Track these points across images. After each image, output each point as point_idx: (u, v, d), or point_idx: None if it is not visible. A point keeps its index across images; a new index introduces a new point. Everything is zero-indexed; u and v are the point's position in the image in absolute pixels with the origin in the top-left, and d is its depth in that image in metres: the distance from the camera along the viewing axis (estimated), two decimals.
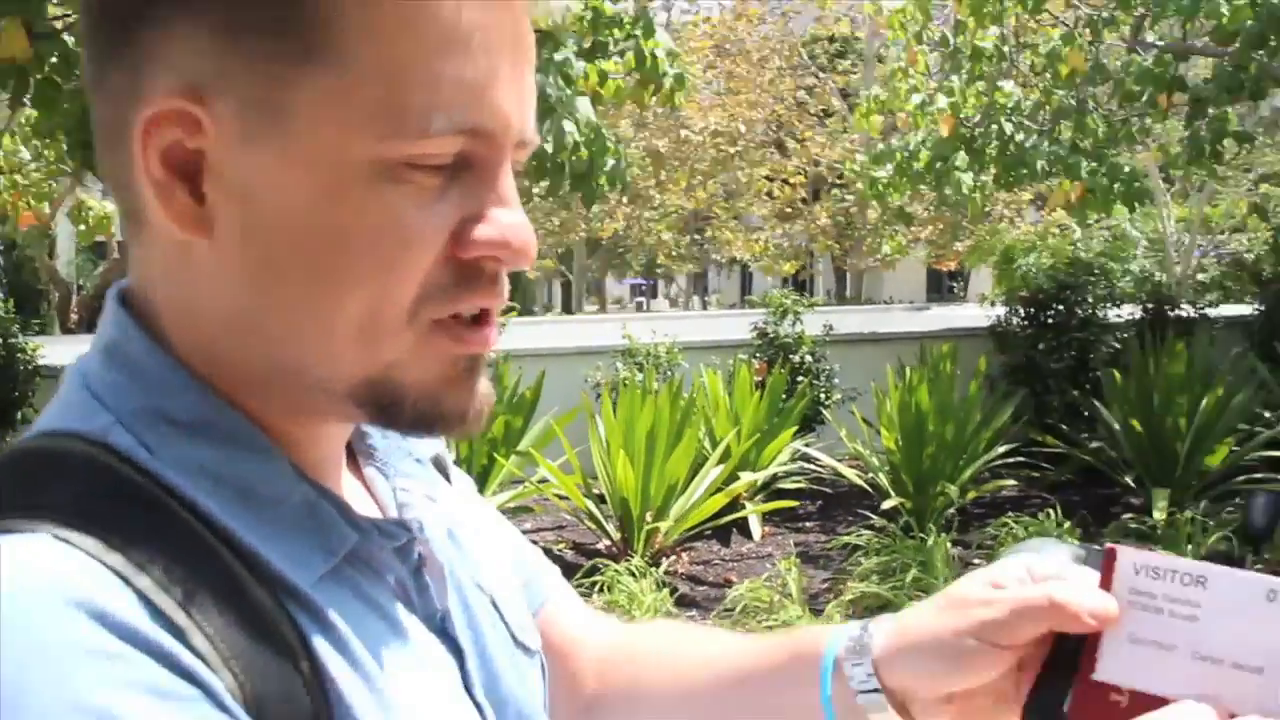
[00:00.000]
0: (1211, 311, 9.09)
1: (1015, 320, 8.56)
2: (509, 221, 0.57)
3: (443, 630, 0.64)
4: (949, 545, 5.23)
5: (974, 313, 11.12)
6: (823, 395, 7.59)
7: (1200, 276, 11.70)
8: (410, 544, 0.64)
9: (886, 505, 5.95)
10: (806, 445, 6.88)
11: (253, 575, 0.53)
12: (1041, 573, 0.66)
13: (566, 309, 29.43)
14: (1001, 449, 6.67)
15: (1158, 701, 0.61)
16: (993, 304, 9.21)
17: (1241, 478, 6.83)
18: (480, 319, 0.59)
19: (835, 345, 8.14)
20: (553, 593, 0.85)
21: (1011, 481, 6.80)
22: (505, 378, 6.16)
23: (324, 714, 0.53)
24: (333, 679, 0.54)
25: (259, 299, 0.56)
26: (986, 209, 10.61)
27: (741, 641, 0.82)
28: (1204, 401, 6.74)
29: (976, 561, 5.36)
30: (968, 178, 6.89)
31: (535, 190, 6.06)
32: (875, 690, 0.68)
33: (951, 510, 6.15)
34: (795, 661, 0.73)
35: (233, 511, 0.55)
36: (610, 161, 4.35)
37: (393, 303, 0.56)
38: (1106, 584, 0.65)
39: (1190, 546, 5.21)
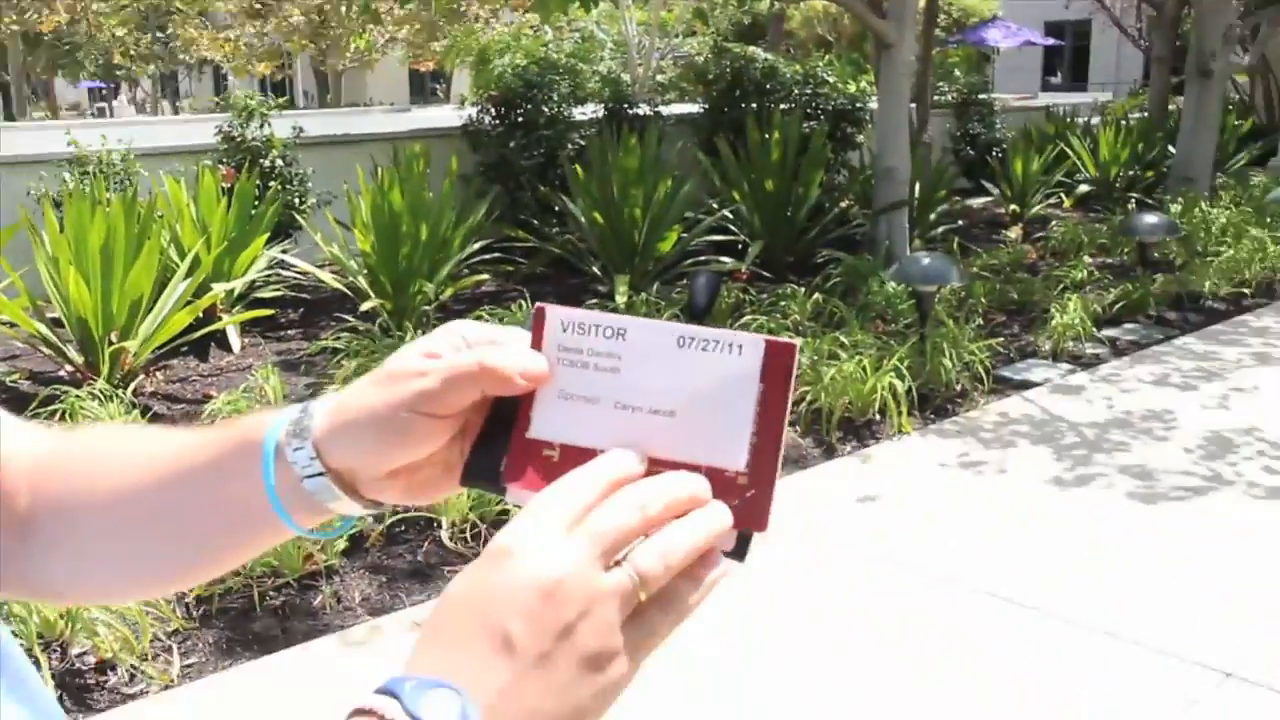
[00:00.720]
0: (664, 109, 9.82)
1: (487, 119, 8.74)
2: None
3: None
4: None
5: (452, 114, 11.20)
6: (296, 200, 7.39)
7: (659, 78, 12.50)
8: None
9: (366, 307, 5.99)
10: (283, 252, 6.71)
11: None
12: (475, 337, 0.66)
13: (8, 115, 25.94)
14: (476, 246, 6.89)
15: (586, 453, 0.62)
16: (469, 105, 9.33)
17: (689, 260, 7.58)
18: None
19: (307, 148, 7.90)
20: None
21: (487, 276, 7.07)
22: None
23: None
24: None
25: None
26: (458, 7, 10.58)
27: (185, 436, 0.74)
28: (657, 193, 7.33)
29: None
30: None
31: None
32: (320, 474, 0.66)
33: (430, 307, 6.32)
34: (238, 451, 0.69)
35: None
36: None
37: None
38: (538, 343, 0.65)
39: None
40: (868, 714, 2.81)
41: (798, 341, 0.64)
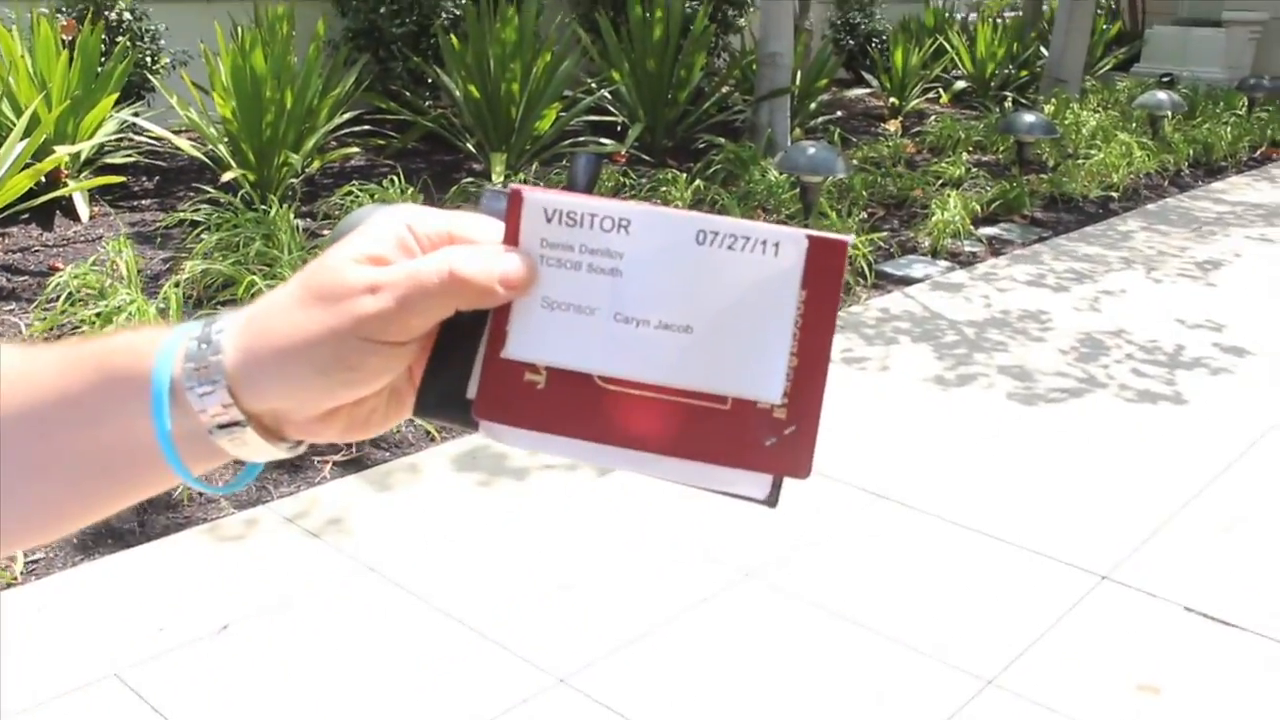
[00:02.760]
0: None
1: None
2: None
3: None
4: (293, 216, 5.09)
5: None
6: (149, 59, 6.87)
7: None
8: None
9: (227, 177, 5.62)
10: (135, 115, 6.24)
11: None
12: (428, 231, 0.51)
13: None
14: (345, 117, 6.53)
15: (582, 379, 0.51)
16: None
17: (568, 140, 7.35)
18: None
19: (159, 3, 7.33)
20: None
21: (356, 150, 6.74)
22: None
23: None
24: None
25: None
26: None
27: (28, 357, 0.56)
28: (535, 68, 7.05)
29: (324, 233, 5.30)
30: None
31: None
32: (237, 423, 0.52)
33: (296, 180, 5.98)
34: (108, 386, 0.54)
35: None
36: None
37: None
38: (513, 237, 0.51)
39: None
40: (746, 622, 2.77)
41: (850, 237, 0.50)
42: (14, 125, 5.21)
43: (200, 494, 3.25)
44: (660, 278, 0.50)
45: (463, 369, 0.52)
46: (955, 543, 3.11)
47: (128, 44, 6.49)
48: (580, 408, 0.51)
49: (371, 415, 0.55)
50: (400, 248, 0.51)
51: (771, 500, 0.51)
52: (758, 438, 0.50)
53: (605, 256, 0.51)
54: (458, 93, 7.15)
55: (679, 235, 0.50)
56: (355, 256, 0.50)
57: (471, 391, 0.52)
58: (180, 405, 0.52)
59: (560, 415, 0.51)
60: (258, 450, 0.54)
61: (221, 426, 0.52)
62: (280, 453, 0.55)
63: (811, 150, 5.99)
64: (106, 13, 6.69)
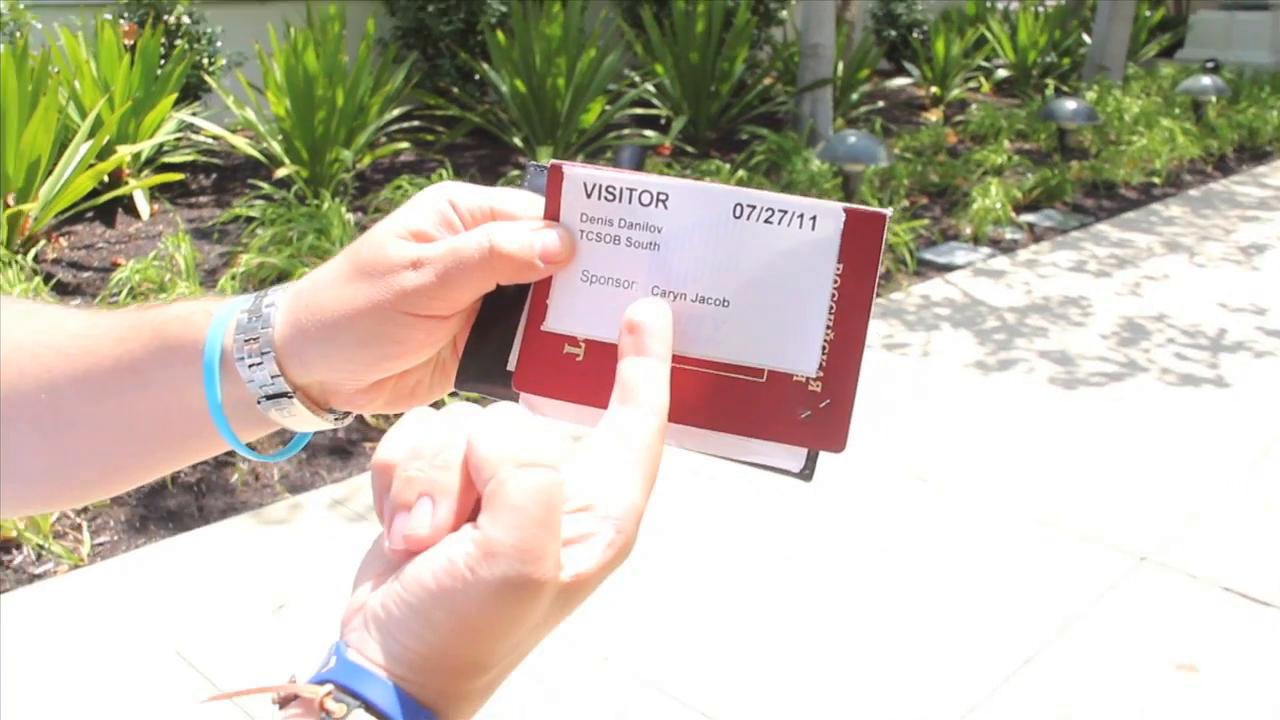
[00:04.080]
0: None
1: None
2: None
3: None
4: (345, 210, 5.23)
5: None
6: (206, 61, 7.05)
7: None
8: None
9: (281, 174, 5.77)
10: (193, 115, 6.41)
11: None
12: (470, 206, 0.53)
13: None
14: (395, 113, 6.66)
15: (616, 350, 0.50)
16: None
17: (612, 133, 7.45)
18: None
19: (215, 6, 7.51)
20: None
21: (406, 145, 6.87)
22: None
23: None
24: None
25: None
26: None
27: (88, 323, 0.58)
28: (580, 63, 7.15)
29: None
30: None
31: None
32: (285, 394, 0.54)
33: (347, 176, 6.13)
34: (164, 354, 0.55)
35: None
36: None
37: None
38: (554, 212, 0.52)
39: None
40: (793, 609, 2.86)
41: (888, 211, 0.51)
42: (79, 127, 5.39)
43: (255, 479, 3.38)
44: (698, 251, 0.51)
45: (504, 342, 0.53)
46: (995, 526, 3.18)
47: (185, 46, 6.67)
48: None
49: (417, 387, 0.57)
50: (443, 223, 0.52)
51: (806, 474, 0.52)
52: (793, 411, 0.50)
53: (644, 230, 0.51)
54: (504, 88, 7.26)
55: (717, 209, 0.51)
56: (399, 232, 0.52)
57: (512, 364, 0.53)
58: (230, 375, 0.54)
59: (598, 388, 0.50)
60: (305, 421, 0.56)
61: (270, 397, 0.54)
62: (327, 424, 0.57)
63: (853, 139, 6.05)
64: (166, 16, 6.87)
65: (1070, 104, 7.97)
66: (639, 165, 6.30)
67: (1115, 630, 2.68)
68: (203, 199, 6.28)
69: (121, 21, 6.64)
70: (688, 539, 3.08)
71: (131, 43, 6.23)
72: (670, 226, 0.51)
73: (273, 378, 0.54)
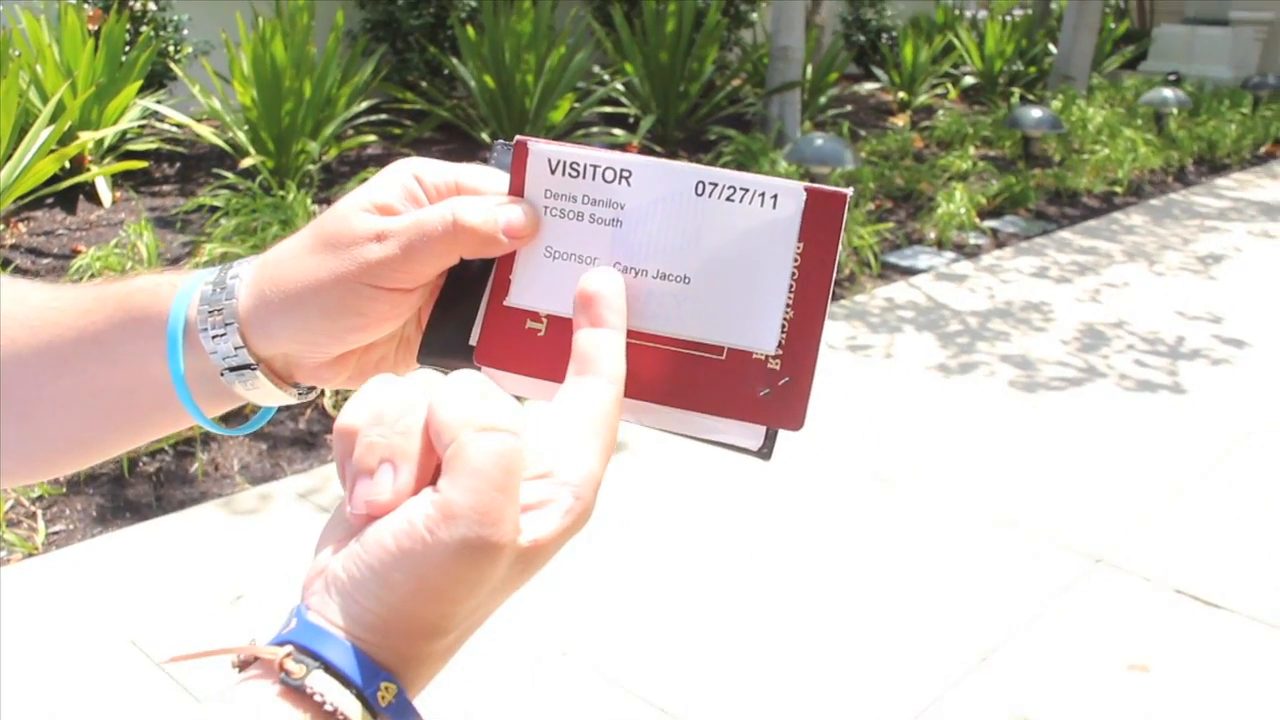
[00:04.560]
0: None
1: None
2: None
3: None
4: (310, 202, 5.19)
5: None
6: (171, 48, 6.98)
7: None
8: None
9: (246, 164, 5.73)
10: (158, 102, 6.34)
11: None
12: (435, 181, 0.53)
13: None
14: (363, 106, 6.63)
15: None
16: None
17: (580, 131, 7.45)
18: None
19: None
20: None
21: (373, 138, 6.84)
22: None
23: None
24: None
25: None
26: None
27: (46, 295, 0.58)
28: (549, 60, 7.14)
29: None
30: None
31: None
32: (248, 365, 0.54)
33: (313, 167, 6.09)
34: (128, 325, 0.55)
35: None
36: None
37: None
38: (519, 188, 0.53)
39: None
40: (752, 608, 2.87)
41: (849, 190, 0.51)
42: (40, 112, 5.32)
43: (216, 469, 3.36)
44: (660, 228, 0.51)
45: (466, 318, 0.54)
46: (953, 527, 3.21)
47: (151, 33, 6.60)
48: None
49: (380, 363, 0.58)
50: (408, 197, 0.52)
51: (765, 453, 0.52)
52: (752, 388, 0.50)
53: (607, 207, 0.52)
54: (473, 83, 7.24)
55: (679, 186, 0.51)
56: (364, 205, 0.52)
57: (474, 339, 0.53)
58: (194, 347, 0.54)
59: (559, 363, 0.50)
60: (268, 395, 0.56)
61: (233, 369, 0.54)
62: (290, 398, 0.57)
63: (820, 142, 6.08)
64: (131, 3, 6.80)
65: (1035, 112, 8.05)
66: None
67: (1069, 630, 2.71)
68: (166, 187, 6.22)
69: (86, 6, 6.56)
70: (649, 535, 3.09)
71: (96, 28, 6.16)
72: (633, 203, 0.51)
73: (236, 349, 0.53)
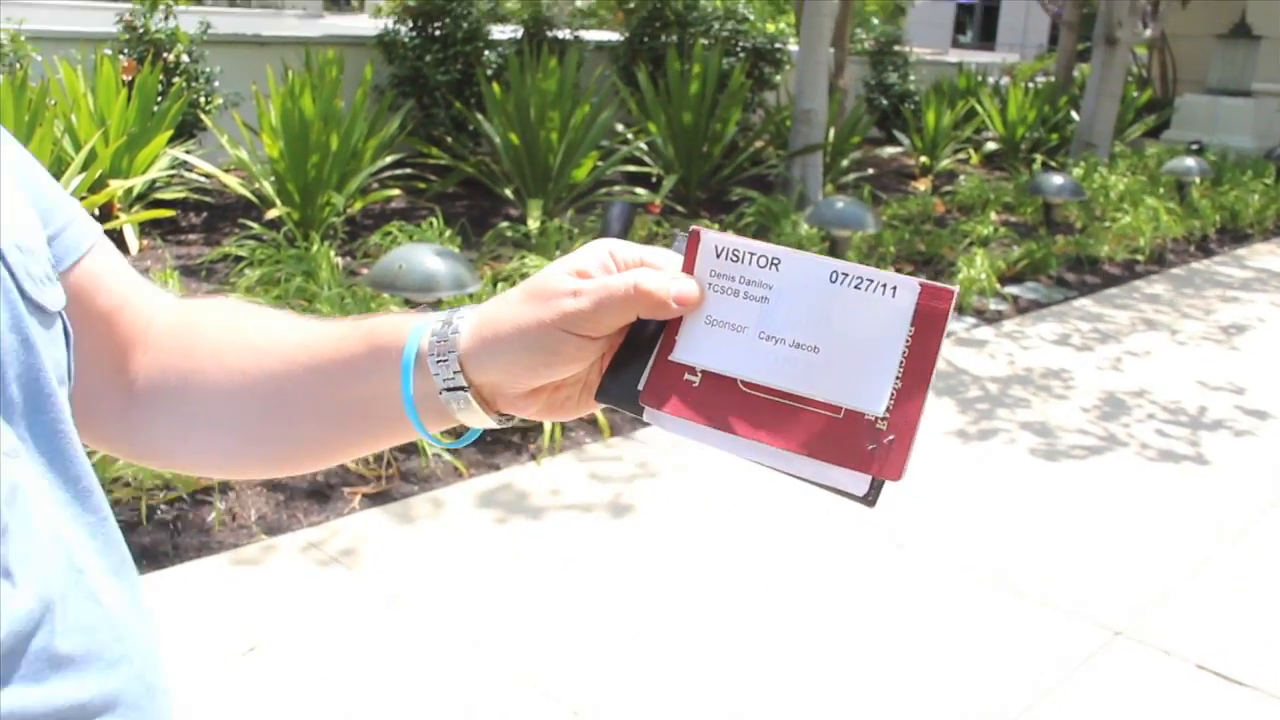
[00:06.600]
0: (584, 35, 9.65)
1: (404, 30, 8.48)
2: None
3: None
4: (333, 254, 5.24)
5: (366, 23, 10.85)
6: (202, 99, 7.09)
7: (578, 3, 12.25)
8: None
9: (271, 215, 5.79)
10: (187, 152, 6.44)
11: None
12: (625, 257, 0.66)
13: None
14: (388, 160, 6.71)
15: (727, 381, 0.63)
16: (385, 15, 9.04)
17: (603, 189, 7.50)
18: None
19: (215, 46, 7.57)
20: (97, 247, 0.73)
21: (397, 192, 6.91)
22: None
23: None
24: None
25: None
26: None
27: (313, 327, 0.74)
28: (573, 118, 7.22)
29: (363, 271, 5.44)
30: None
31: None
32: (461, 388, 0.67)
33: (338, 220, 6.15)
34: (373, 353, 0.69)
35: None
36: None
37: None
38: (690, 266, 0.65)
39: (558, 252, 5.67)
40: (766, 668, 2.84)
41: (955, 288, 0.61)
42: (73, 159, 5.40)
43: (232, 519, 3.35)
44: (798, 306, 0.63)
45: (638, 368, 0.66)
46: (971, 595, 3.17)
47: (183, 85, 6.71)
48: (724, 404, 0.63)
49: (566, 401, 0.70)
50: (601, 267, 0.65)
51: (870, 499, 0.61)
52: (862, 443, 0.61)
53: (758, 287, 0.64)
54: (498, 139, 7.32)
55: (817, 274, 0.62)
56: (566, 269, 0.66)
57: (642, 385, 0.65)
58: (422, 372, 0.68)
59: (707, 409, 0.63)
60: (476, 417, 0.69)
61: (449, 390, 0.67)
62: (492, 422, 0.70)
63: (841, 205, 6.10)
64: (165, 54, 6.92)
65: (1057, 179, 8.07)
66: (628, 222, 6.33)
67: (1088, 704, 2.67)
68: (192, 236, 6.29)
69: (121, 57, 6.68)
70: (660, 591, 3.06)
71: (130, 78, 6.27)
72: (779, 285, 0.63)
73: (454, 373, 0.67)
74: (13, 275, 0.58)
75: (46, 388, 0.59)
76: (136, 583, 0.64)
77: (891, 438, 0.60)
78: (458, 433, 0.74)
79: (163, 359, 0.76)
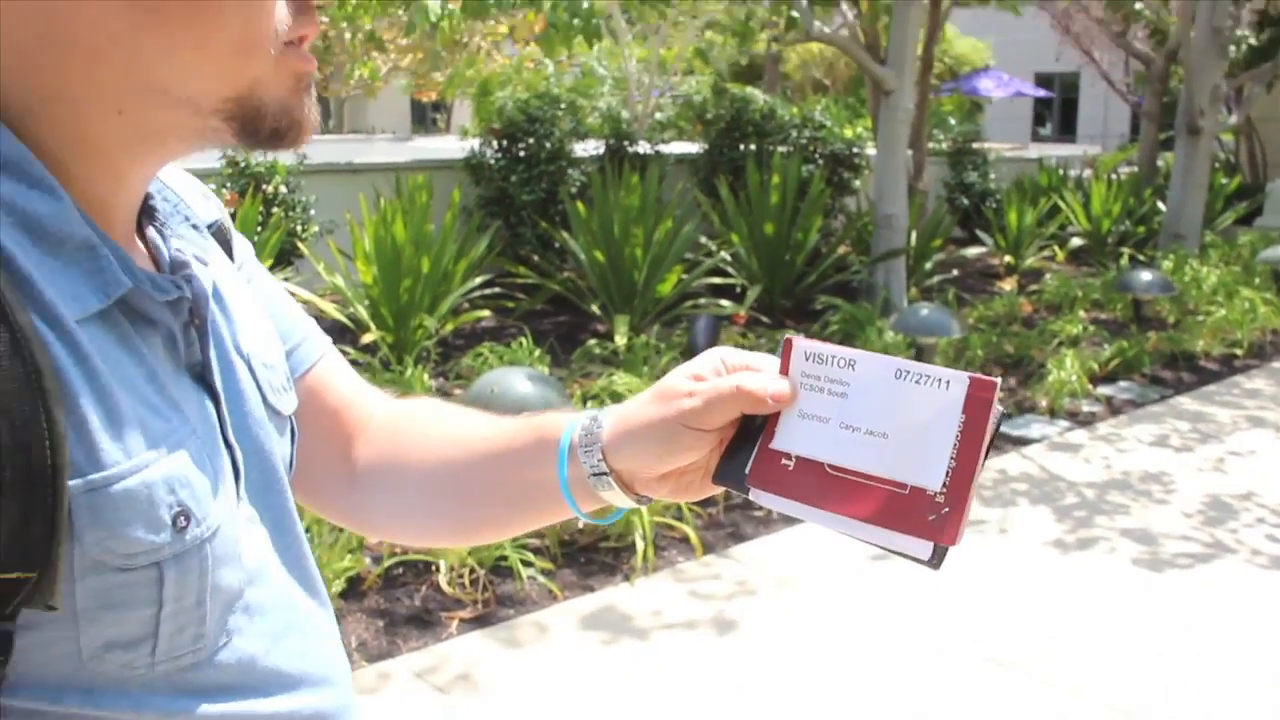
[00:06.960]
0: (664, 148, 9.86)
1: (489, 152, 8.75)
2: None
3: (201, 378, 0.70)
4: (426, 376, 5.37)
5: (453, 144, 11.22)
6: (299, 228, 7.38)
7: (658, 115, 12.55)
8: (182, 300, 0.68)
9: (367, 339, 5.96)
10: (285, 280, 6.67)
11: (21, 298, 0.56)
12: (733, 362, 0.79)
13: None
14: (477, 280, 6.88)
15: (815, 464, 0.75)
16: (470, 136, 9.34)
17: (688, 302, 7.59)
18: (300, 44, 0.68)
19: (310, 175, 7.89)
20: (326, 356, 0.93)
21: (487, 312, 7.06)
22: None
23: (58, 436, 0.55)
24: (77, 404, 0.58)
25: (137, 17, 0.60)
26: (461, 38, 10.62)
27: (494, 422, 0.90)
28: (656, 233, 7.35)
29: (456, 392, 5.56)
30: (434, 4, 6.84)
31: None
32: (605, 473, 0.80)
33: (430, 342, 6.30)
34: (539, 444, 0.84)
35: (16, 239, 0.58)
36: None
37: (263, 23, 0.64)
38: (785, 369, 0.77)
39: (646, 368, 5.74)
40: None
41: (997, 380, 0.72)
42: None
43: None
44: (871, 400, 0.74)
45: (746, 455, 0.78)
46: (1074, 715, 3.08)
47: (282, 214, 7.00)
48: (813, 484, 0.75)
49: (690, 484, 0.82)
50: (714, 371, 0.80)
51: (934, 563, 0.72)
52: (924, 514, 0.71)
53: (839, 384, 0.76)
54: (583, 257, 7.47)
55: (885, 372, 0.74)
56: (685, 374, 0.80)
57: (748, 469, 0.78)
58: (574, 460, 0.82)
59: (800, 488, 0.76)
60: (618, 497, 0.83)
61: (595, 475, 0.81)
62: (632, 502, 0.83)
63: (925, 312, 6.10)
64: (265, 186, 7.23)
65: (1145, 275, 7.97)
66: (714, 335, 6.38)
67: None
68: None
69: (224, 190, 7.00)
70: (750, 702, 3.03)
71: (233, 210, 6.56)
72: (855, 382, 0.75)
73: (598, 461, 0.81)
74: (259, 386, 0.76)
75: (277, 473, 0.77)
76: (334, 619, 0.80)
77: (947, 510, 0.71)
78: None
79: (379, 448, 0.93)
